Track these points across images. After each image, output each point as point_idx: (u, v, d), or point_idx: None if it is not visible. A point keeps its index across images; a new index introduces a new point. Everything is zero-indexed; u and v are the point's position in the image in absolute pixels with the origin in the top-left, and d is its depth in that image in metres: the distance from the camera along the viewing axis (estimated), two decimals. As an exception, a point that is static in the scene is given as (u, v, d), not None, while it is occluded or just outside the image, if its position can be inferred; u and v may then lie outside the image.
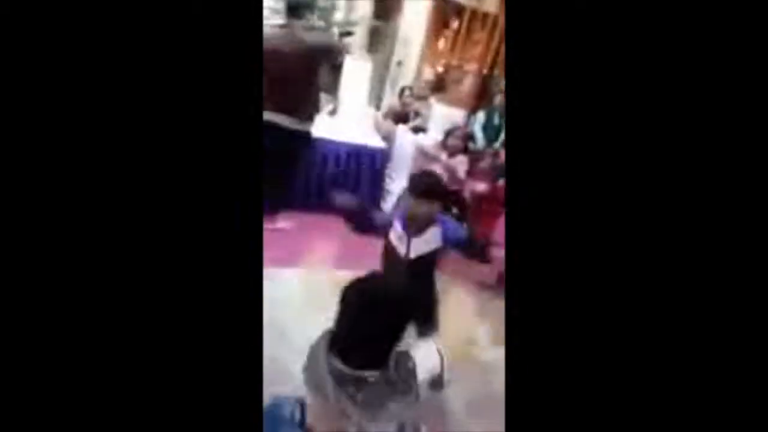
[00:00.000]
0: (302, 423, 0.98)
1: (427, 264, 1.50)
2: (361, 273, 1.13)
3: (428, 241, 1.46)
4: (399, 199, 2.55)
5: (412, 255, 1.46)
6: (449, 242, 1.48)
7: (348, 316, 0.83)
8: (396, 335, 0.85)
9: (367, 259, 1.58)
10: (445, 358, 0.87)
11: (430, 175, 1.67)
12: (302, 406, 1.01)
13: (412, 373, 0.85)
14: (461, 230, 1.62)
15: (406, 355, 0.86)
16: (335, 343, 0.84)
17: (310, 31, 2.28)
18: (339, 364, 0.83)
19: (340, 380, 0.84)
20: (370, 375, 0.82)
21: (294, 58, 2.19)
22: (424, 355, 0.88)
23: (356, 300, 0.83)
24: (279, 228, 2.50)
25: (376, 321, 0.82)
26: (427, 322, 1.63)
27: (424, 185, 1.44)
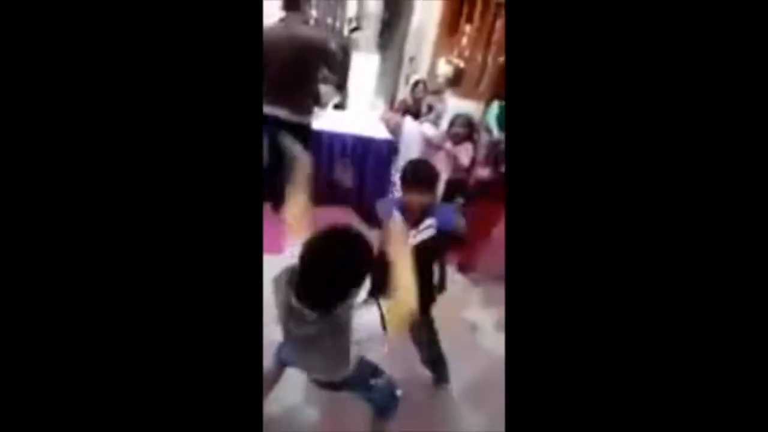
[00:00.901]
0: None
1: (427, 253, 1.44)
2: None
3: (424, 230, 1.41)
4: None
5: (411, 243, 1.41)
6: (443, 229, 1.43)
7: (307, 259, 0.87)
8: (347, 289, 0.88)
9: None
10: (388, 326, 0.87)
11: (422, 164, 1.62)
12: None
13: (345, 329, 0.87)
14: (456, 218, 1.54)
15: (347, 312, 0.87)
16: (293, 277, 0.90)
17: (305, 24, 2.32)
18: (290, 297, 0.90)
19: (287, 310, 0.92)
20: (310, 314, 0.88)
21: (289, 51, 2.21)
22: (366, 318, 0.87)
23: (317, 247, 0.88)
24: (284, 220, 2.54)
25: (332, 270, 0.86)
26: (424, 309, 1.61)
27: (415, 174, 1.41)
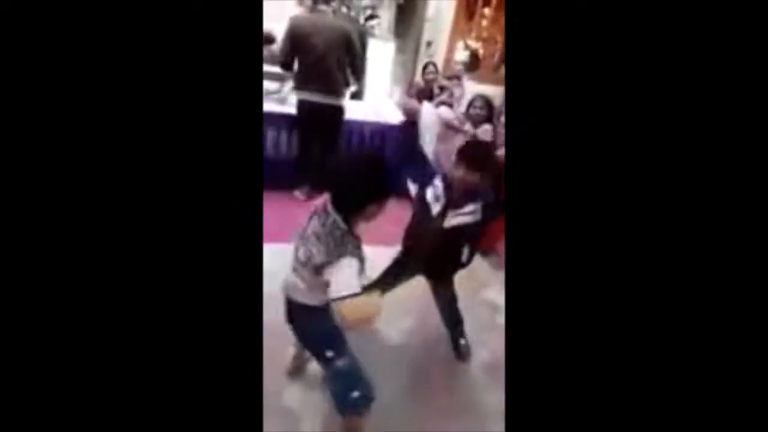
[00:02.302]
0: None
1: (458, 234, 1.45)
2: (395, 248, 1.46)
3: (464, 214, 1.42)
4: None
5: (446, 224, 1.42)
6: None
7: (339, 177, 1.04)
8: (367, 195, 1.02)
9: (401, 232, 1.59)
10: (364, 277, 0.98)
11: (480, 144, 1.60)
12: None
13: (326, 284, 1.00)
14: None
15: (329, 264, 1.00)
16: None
17: (334, 15, 2.52)
18: (330, 210, 1.04)
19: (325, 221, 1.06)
20: (331, 214, 1.03)
21: (320, 41, 2.40)
22: (343, 276, 0.98)
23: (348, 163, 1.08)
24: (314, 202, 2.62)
25: (360, 184, 1.01)
26: (444, 281, 1.65)
27: (471, 153, 1.39)
